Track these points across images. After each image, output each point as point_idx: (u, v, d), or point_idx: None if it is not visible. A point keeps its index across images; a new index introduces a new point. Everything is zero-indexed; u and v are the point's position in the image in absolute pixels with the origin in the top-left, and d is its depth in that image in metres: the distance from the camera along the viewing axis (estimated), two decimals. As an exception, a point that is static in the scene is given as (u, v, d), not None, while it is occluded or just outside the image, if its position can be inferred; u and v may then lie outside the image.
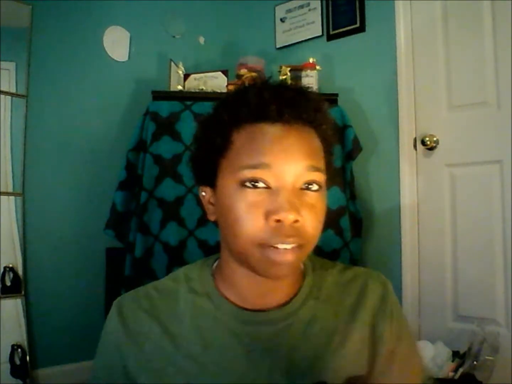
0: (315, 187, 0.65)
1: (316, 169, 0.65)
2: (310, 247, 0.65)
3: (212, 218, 0.71)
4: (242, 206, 0.63)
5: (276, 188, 0.63)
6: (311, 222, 0.63)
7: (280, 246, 0.62)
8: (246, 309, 0.70)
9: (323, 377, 0.66)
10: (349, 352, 0.68)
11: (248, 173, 0.62)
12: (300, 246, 0.63)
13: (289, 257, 0.62)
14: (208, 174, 0.69)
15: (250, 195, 0.63)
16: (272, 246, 0.62)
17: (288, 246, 0.62)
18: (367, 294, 0.73)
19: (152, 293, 0.73)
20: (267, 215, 0.62)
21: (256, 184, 0.63)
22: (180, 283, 0.74)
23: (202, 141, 0.70)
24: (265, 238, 0.62)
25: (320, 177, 0.66)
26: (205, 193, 0.72)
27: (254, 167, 0.62)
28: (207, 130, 0.69)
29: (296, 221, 0.61)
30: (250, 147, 0.63)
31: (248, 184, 0.63)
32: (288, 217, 0.60)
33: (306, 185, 0.64)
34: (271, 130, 0.64)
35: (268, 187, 0.63)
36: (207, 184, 0.71)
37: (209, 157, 0.68)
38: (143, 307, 0.71)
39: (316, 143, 0.67)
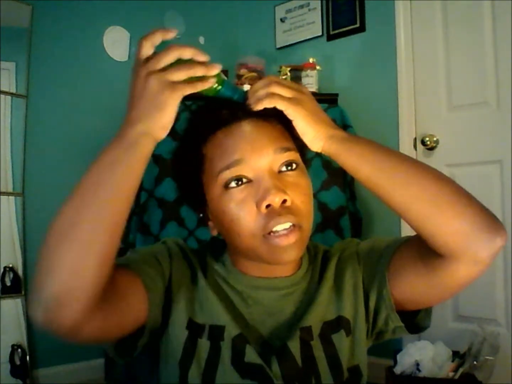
0: (292, 166, 0.69)
1: (286, 149, 0.69)
2: (308, 225, 0.69)
3: (215, 232, 0.76)
4: (233, 205, 0.67)
5: (257, 178, 0.67)
6: (299, 198, 0.67)
7: (279, 228, 0.65)
8: (252, 276, 0.75)
9: (306, 323, 0.72)
10: (320, 302, 0.74)
11: (227, 175, 0.67)
12: (298, 226, 0.67)
13: (292, 238, 0.66)
14: (198, 196, 0.74)
15: (236, 193, 0.67)
16: (273, 233, 0.66)
17: (286, 226, 0.65)
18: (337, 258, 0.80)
19: (192, 249, 0.81)
20: (257, 204, 0.66)
21: (238, 182, 0.67)
22: (207, 248, 0.82)
23: (181, 168, 0.76)
24: (262, 225, 0.66)
25: (293, 155, 0.70)
26: (202, 213, 0.77)
27: (229, 166, 0.67)
28: (181, 156, 0.76)
29: (285, 200, 0.66)
30: (219, 151, 0.69)
31: (231, 184, 0.67)
32: (276, 199, 0.65)
33: (284, 167, 0.68)
34: (232, 130, 0.69)
35: (249, 181, 0.67)
36: (201, 205, 0.75)
37: (191, 179, 0.73)
38: (188, 254, 0.79)
39: (279, 128, 0.71)
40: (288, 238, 0.66)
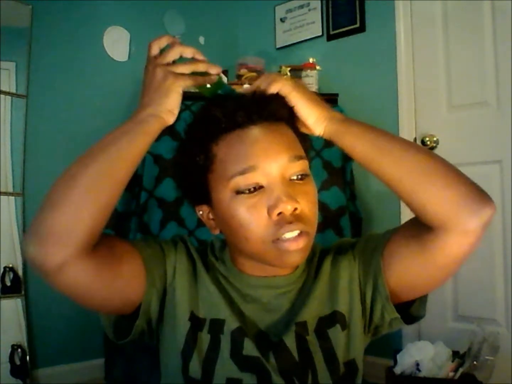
0: (302, 175, 0.71)
1: (299, 158, 0.71)
2: (313, 232, 0.71)
3: (215, 232, 0.76)
4: (244, 211, 0.68)
5: (269, 185, 0.68)
6: (307, 206, 0.69)
7: (288, 235, 0.67)
8: (252, 275, 0.76)
9: (301, 318, 0.74)
10: (315, 298, 0.76)
11: (240, 180, 0.67)
12: (305, 233, 0.68)
13: (300, 243, 0.67)
14: (200, 193, 0.74)
15: (248, 199, 0.68)
16: (282, 239, 0.67)
17: (295, 233, 0.67)
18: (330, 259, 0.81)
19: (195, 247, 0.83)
20: (268, 211, 0.67)
21: (250, 188, 0.68)
22: (207, 247, 0.83)
23: (186, 164, 0.75)
24: (273, 232, 0.67)
25: (305, 164, 0.72)
26: (202, 211, 0.77)
27: (243, 172, 0.67)
28: (188, 152, 0.75)
29: (296, 209, 0.67)
30: (232, 155, 0.69)
31: (243, 190, 0.68)
32: (287, 207, 0.66)
33: (295, 176, 0.70)
34: (247, 134, 0.70)
35: (261, 187, 0.68)
36: (202, 202, 0.76)
37: (196, 176, 0.73)
38: (191, 250, 0.80)
39: (290, 134, 0.73)
40: (298, 243, 0.67)
